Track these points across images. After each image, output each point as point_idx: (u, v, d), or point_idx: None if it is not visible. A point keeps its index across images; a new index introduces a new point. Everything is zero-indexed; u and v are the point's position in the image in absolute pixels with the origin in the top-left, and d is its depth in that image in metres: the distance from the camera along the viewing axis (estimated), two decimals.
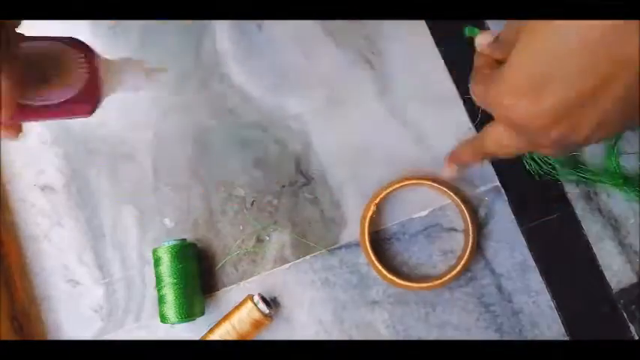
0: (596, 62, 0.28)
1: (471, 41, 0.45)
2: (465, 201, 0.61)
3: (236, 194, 0.65)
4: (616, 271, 0.62)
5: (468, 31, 0.47)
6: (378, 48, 0.65)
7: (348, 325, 0.62)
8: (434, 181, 0.61)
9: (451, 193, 0.61)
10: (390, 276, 0.60)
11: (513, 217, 0.63)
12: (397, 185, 0.61)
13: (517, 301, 0.62)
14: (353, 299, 0.63)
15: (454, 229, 0.63)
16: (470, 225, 0.60)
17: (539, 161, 0.62)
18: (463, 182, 0.63)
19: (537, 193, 0.63)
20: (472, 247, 0.60)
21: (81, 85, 0.39)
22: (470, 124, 0.64)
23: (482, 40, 0.43)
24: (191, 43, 0.67)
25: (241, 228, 0.64)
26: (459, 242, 0.63)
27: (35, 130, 0.66)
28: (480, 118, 0.64)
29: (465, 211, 0.60)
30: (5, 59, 0.32)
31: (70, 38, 0.41)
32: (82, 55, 0.40)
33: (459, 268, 0.60)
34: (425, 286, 0.60)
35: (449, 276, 0.60)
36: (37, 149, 0.66)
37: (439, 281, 0.60)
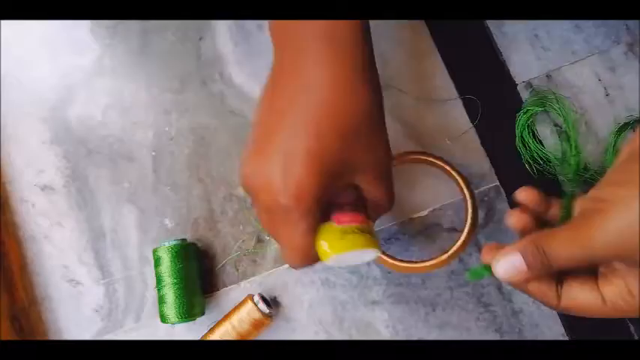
0: None
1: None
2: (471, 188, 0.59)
3: (236, 194, 0.65)
4: None
5: (471, 274, 0.41)
6: (378, 48, 0.65)
7: (347, 325, 0.62)
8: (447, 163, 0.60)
9: (458, 178, 0.59)
10: (390, 260, 0.58)
11: None
12: (409, 157, 0.59)
13: (517, 301, 0.62)
14: (353, 299, 0.63)
15: (454, 229, 0.63)
16: (469, 198, 0.58)
17: (539, 160, 0.62)
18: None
19: None
20: (473, 218, 0.58)
21: None
22: (470, 124, 0.64)
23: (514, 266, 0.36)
24: (191, 43, 0.67)
25: (241, 228, 0.64)
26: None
27: (35, 130, 0.66)
28: (480, 118, 0.64)
29: (469, 200, 0.58)
30: None
31: None
32: None
33: (460, 242, 0.57)
34: (430, 264, 0.57)
35: (452, 250, 0.57)
36: (37, 149, 0.66)
37: (445, 256, 0.57)
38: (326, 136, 0.35)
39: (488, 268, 0.36)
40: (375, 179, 0.39)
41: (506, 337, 0.62)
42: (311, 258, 0.41)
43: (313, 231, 0.39)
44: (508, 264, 0.35)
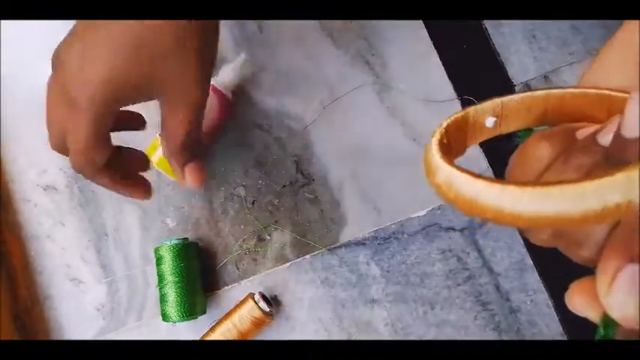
0: None
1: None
2: None
3: (237, 194, 0.65)
4: None
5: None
6: (378, 49, 0.66)
7: (347, 323, 0.63)
8: None
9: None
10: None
11: None
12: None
13: (515, 300, 0.62)
14: (352, 298, 0.63)
15: (452, 229, 0.63)
16: None
17: None
18: None
19: None
20: None
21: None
22: None
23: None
24: None
25: (242, 227, 0.65)
26: (457, 241, 0.63)
27: (37, 130, 0.67)
28: None
29: None
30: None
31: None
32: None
33: None
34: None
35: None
36: (40, 149, 0.67)
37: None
38: (129, 50, 0.36)
39: (607, 322, 0.22)
40: (172, 103, 0.40)
41: (505, 336, 0.62)
42: (91, 159, 0.41)
43: (96, 132, 0.39)
44: (627, 285, 0.19)
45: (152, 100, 0.41)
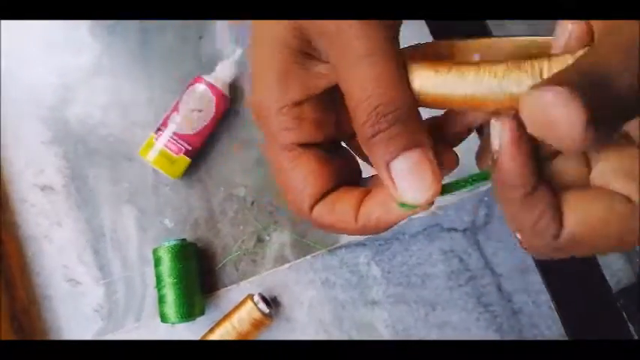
0: None
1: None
2: None
3: (236, 194, 0.65)
4: (616, 270, 0.62)
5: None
6: None
7: (348, 325, 0.62)
8: None
9: None
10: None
11: None
12: None
13: (517, 301, 0.62)
14: (353, 299, 0.63)
15: (454, 229, 0.63)
16: None
17: None
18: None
19: None
20: None
21: None
22: None
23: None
24: (191, 42, 0.67)
25: (241, 228, 0.64)
26: (459, 242, 0.63)
27: (35, 130, 0.66)
28: None
29: None
30: None
31: None
32: None
33: None
34: None
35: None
36: (37, 149, 0.66)
37: None
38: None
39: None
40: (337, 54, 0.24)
41: (506, 337, 0.62)
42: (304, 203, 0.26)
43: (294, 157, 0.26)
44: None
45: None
